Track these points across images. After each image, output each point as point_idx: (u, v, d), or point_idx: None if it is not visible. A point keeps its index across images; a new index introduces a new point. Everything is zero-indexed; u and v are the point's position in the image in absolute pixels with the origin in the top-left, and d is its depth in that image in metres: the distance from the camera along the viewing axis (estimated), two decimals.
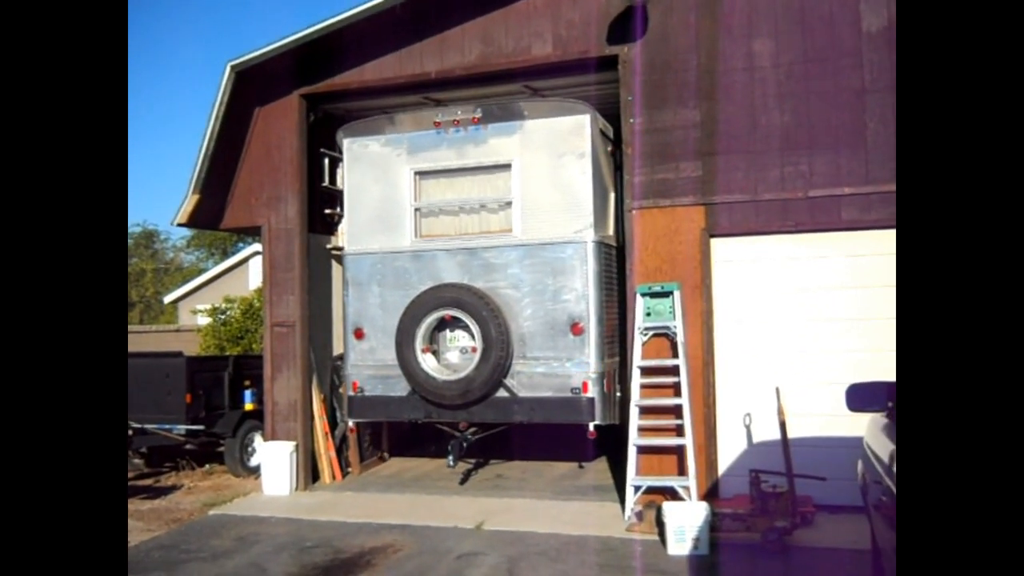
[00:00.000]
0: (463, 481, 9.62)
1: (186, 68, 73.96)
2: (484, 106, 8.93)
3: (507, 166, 8.78)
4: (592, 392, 8.33)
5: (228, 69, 9.33)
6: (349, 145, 9.46)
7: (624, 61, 8.49)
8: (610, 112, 9.00)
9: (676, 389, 8.10)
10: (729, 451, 8.24)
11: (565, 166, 8.59)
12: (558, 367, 8.47)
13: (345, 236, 9.60)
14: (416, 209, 9.15)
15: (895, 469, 2.71)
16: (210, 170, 9.66)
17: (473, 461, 10.40)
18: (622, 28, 8.49)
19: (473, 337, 8.62)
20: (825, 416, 7.75)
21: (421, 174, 9.15)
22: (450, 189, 9.09)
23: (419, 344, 8.73)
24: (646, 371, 8.27)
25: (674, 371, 8.12)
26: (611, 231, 9.15)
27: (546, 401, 8.49)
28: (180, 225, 9.85)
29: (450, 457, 9.26)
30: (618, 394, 8.81)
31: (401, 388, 8.97)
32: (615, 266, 9.09)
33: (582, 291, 8.46)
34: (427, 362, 8.78)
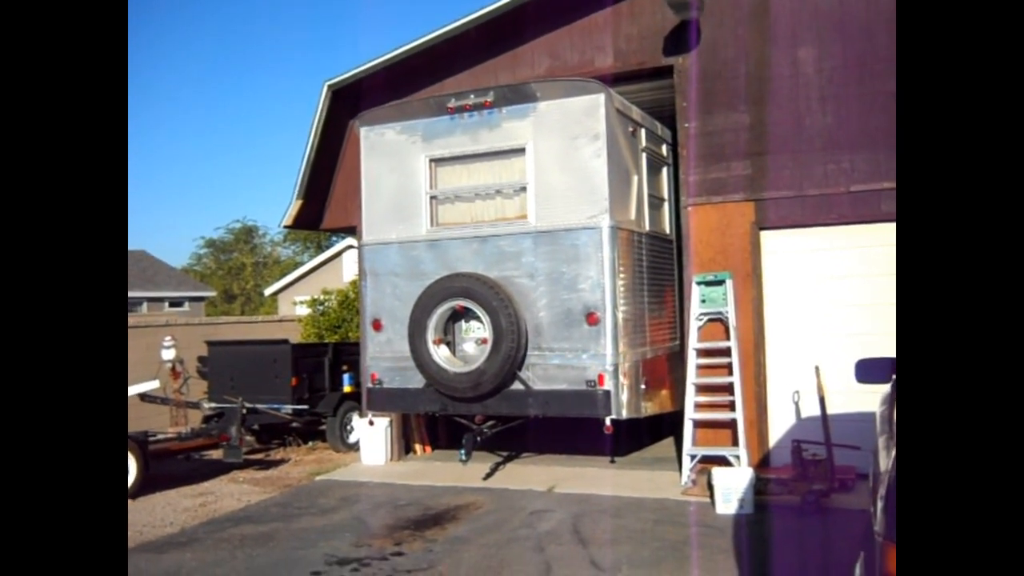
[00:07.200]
0: (487, 477, 9.50)
1: (282, 78, 77.49)
2: (496, 89, 8.72)
3: (521, 150, 8.46)
4: (608, 385, 8.03)
5: (325, 88, 10.54)
6: (366, 134, 9.26)
7: (679, 71, 9.31)
8: (665, 115, 9.84)
9: (729, 369, 8.91)
10: (779, 426, 9.04)
11: (579, 148, 8.22)
12: (573, 359, 8.17)
13: (363, 226, 9.48)
14: (432, 197, 8.90)
15: (895, 448, 2.81)
16: (311, 178, 10.92)
17: (504, 454, 10.44)
18: (676, 40, 9.31)
19: (485, 328, 8.40)
20: (868, 392, 8.43)
21: (436, 161, 8.90)
22: (465, 176, 8.83)
23: (430, 335, 8.50)
24: (701, 352, 9.11)
25: (727, 352, 8.94)
26: (633, 216, 8.77)
27: (561, 394, 8.21)
28: (287, 227, 11.17)
29: (462, 451, 9.07)
30: (642, 387, 8.63)
31: (418, 380, 8.75)
32: (644, 252, 8.97)
33: (597, 279, 8.10)
34: (439, 354, 8.53)
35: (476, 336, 8.62)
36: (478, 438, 9.30)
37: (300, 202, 11.02)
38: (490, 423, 9.31)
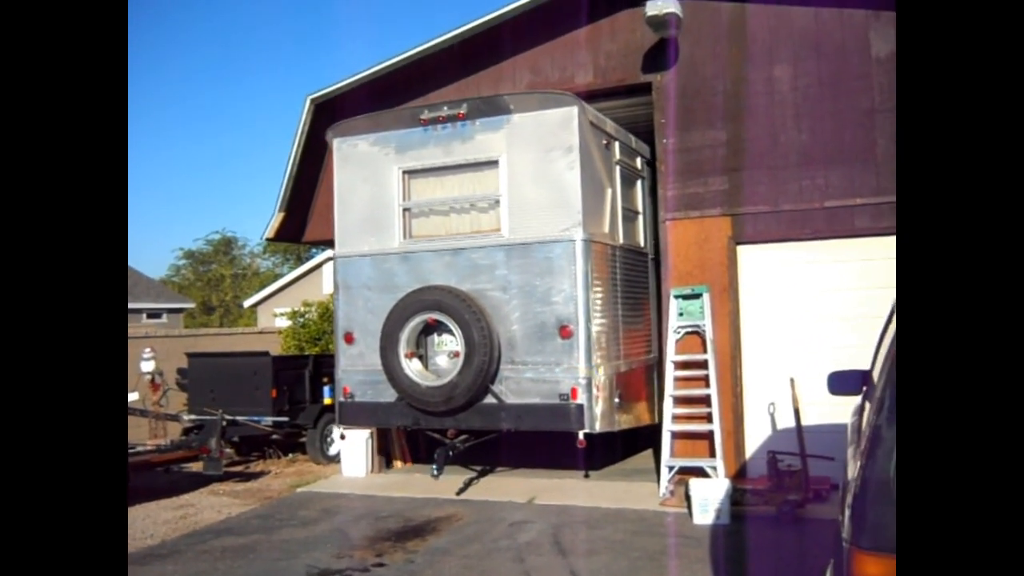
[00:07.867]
0: (460, 491, 9.33)
1: (266, 90, 77.65)
2: (470, 101, 8.73)
3: (495, 163, 8.44)
4: (581, 398, 8.00)
5: (308, 102, 10.61)
6: (339, 145, 9.23)
7: (658, 88, 9.48)
8: (642, 130, 10.00)
9: (706, 381, 9.03)
10: (756, 437, 9.17)
11: (553, 161, 8.21)
12: (546, 372, 8.15)
13: (335, 238, 9.35)
14: (405, 209, 8.86)
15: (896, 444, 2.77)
16: (293, 190, 10.99)
17: (479, 468, 10.36)
18: (655, 58, 9.49)
19: (457, 341, 8.37)
20: (843, 404, 8.58)
21: (409, 173, 8.86)
22: (439, 188, 8.80)
23: (402, 349, 8.46)
24: (679, 365, 9.24)
25: (704, 365, 9.07)
26: (607, 228, 8.82)
27: (534, 408, 8.18)
28: (269, 239, 11.22)
29: (434, 467, 9.10)
30: (617, 400, 8.64)
31: (390, 394, 8.69)
32: (618, 265, 9.00)
33: (570, 292, 8.08)
34: (411, 367, 8.49)
35: (448, 349, 8.58)
36: (451, 452, 9.26)
37: (282, 215, 11.08)
38: (463, 437, 9.27)
